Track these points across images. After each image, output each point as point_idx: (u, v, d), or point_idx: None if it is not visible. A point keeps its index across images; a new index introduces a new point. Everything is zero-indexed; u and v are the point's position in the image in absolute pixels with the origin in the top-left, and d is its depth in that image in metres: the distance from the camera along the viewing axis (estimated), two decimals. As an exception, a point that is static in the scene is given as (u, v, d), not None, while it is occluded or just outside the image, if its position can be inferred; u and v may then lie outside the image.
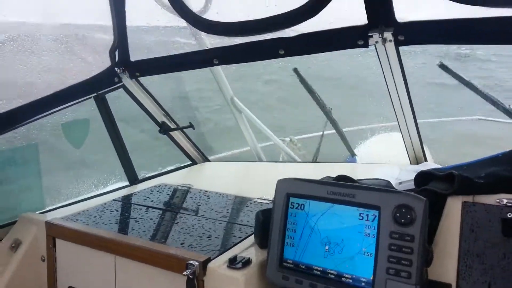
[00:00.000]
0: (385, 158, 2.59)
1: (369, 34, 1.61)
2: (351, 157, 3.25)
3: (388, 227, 1.07)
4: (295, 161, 3.56)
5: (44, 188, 2.04)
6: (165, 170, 2.63)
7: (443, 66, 2.12)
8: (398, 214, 1.06)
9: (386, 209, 1.09)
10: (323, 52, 1.85)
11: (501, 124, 4.66)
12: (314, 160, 3.49)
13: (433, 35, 1.57)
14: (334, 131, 3.67)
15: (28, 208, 1.90)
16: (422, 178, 1.34)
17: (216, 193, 2.01)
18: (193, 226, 1.60)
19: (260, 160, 3.17)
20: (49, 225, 1.67)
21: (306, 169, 2.63)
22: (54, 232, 1.66)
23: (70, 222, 1.68)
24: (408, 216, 1.05)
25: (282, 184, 1.28)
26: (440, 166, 1.70)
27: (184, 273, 1.24)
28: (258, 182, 2.38)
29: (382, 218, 1.09)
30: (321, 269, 1.16)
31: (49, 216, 1.76)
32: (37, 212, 1.86)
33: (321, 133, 3.95)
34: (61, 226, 1.65)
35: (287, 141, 3.85)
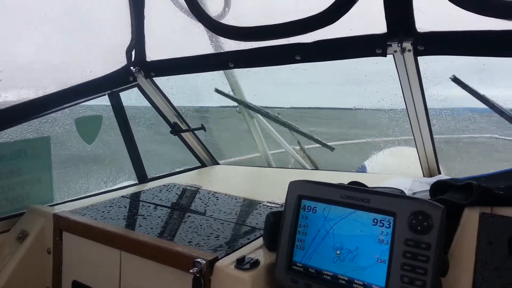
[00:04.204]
0: (397, 170, 2.55)
1: (388, 43, 1.59)
2: (363, 167, 3.21)
3: (403, 234, 1.04)
4: (305, 169, 3.53)
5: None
6: (173, 171, 2.63)
7: (456, 80, 2.06)
8: (414, 221, 1.03)
9: (401, 215, 1.06)
10: (340, 59, 1.82)
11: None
12: (316, 168, 3.44)
13: (454, 46, 1.52)
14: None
15: (36, 200, 1.89)
16: (438, 188, 1.32)
17: (225, 195, 2.00)
18: (201, 225, 1.58)
19: (270, 166, 3.15)
20: (56, 217, 1.67)
21: (316, 176, 2.58)
22: (62, 225, 1.65)
23: (77, 216, 1.67)
24: (425, 223, 1.02)
25: (295, 185, 1.26)
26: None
27: (190, 271, 1.22)
28: (268, 187, 2.35)
29: (398, 224, 1.06)
30: (332, 274, 1.13)
31: (57, 209, 1.75)
32: (45, 205, 1.86)
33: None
34: (69, 219, 1.64)
35: (297, 149, 3.81)
